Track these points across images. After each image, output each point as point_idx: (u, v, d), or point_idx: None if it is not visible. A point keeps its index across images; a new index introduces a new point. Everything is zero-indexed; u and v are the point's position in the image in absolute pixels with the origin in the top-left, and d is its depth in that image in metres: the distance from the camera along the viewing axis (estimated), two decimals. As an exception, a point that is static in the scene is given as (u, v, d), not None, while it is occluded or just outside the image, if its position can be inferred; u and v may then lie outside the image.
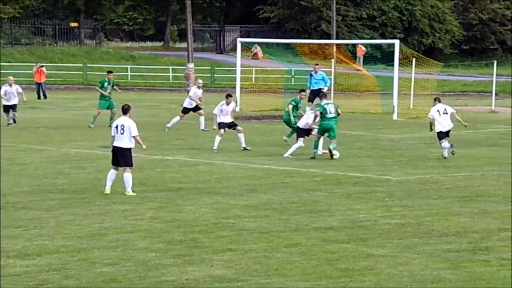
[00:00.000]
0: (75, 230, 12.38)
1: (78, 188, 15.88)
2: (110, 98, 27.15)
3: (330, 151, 20.07)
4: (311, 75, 29.56)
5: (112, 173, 15.30)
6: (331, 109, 20.43)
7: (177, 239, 11.80)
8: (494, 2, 67.65)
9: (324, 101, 20.71)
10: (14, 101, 27.93)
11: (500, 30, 67.80)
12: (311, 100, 29.22)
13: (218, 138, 21.38)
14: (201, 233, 12.16)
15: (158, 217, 13.28)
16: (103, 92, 27.05)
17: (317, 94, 28.77)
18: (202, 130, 25.97)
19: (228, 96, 22.05)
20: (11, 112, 27.85)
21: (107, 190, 15.22)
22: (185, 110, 26.62)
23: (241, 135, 21.61)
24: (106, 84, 27.19)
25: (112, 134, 15.31)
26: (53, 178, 17.05)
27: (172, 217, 13.29)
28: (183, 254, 10.97)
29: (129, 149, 15.20)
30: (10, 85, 28.11)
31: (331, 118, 20.28)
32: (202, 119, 26.32)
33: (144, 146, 15.43)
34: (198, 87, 26.86)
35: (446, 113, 20.11)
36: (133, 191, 15.16)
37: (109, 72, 28.24)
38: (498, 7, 67.57)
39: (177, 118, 26.43)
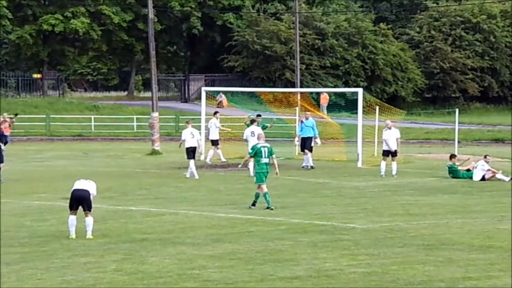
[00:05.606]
0: (36, 284, 12.10)
1: (39, 241, 15.57)
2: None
3: None
4: (302, 121, 30.73)
5: (72, 218, 15.66)
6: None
7: (140, 292, 11.59)
8: (454, 52, 68.89)
9: None
10: None
11: (461, 78, 68.93)
12: (304, 148, 29.87)
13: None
14: (165, 285, 11.96)
15: (122, 269, 13.04)
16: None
17: (307, 141, 29.62)
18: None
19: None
20: None
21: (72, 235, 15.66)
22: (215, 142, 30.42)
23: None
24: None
25: None
26: (15, 231, 16.72)
27: (135, 269, 13.06)
28: (147, 307, 10.76)
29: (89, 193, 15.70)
30: None
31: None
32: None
33: None
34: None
35: None
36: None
37: (258, 116, 30.94)
38: (459, 56, 68.79)
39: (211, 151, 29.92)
